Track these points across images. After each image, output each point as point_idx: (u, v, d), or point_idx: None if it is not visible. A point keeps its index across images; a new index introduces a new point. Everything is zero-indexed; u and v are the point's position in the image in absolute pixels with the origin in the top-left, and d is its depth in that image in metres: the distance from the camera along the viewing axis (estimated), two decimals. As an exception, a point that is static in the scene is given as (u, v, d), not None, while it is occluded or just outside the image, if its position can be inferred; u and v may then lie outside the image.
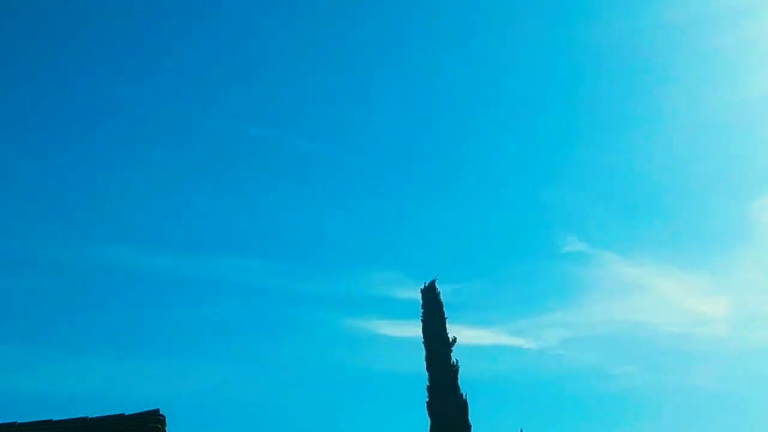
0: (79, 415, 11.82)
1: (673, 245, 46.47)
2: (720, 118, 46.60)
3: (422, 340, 23.06)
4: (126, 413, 11.72)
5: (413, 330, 23.71)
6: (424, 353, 22.89)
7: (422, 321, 23.23)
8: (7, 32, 38.59)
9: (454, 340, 22.89)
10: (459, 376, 22.47)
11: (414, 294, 23.97)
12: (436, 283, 23.73)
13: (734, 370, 41.72)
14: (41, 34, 40.52)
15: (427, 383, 22.48)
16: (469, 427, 21.95)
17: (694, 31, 45.92)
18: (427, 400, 22.31)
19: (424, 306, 23.45)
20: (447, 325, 23.20)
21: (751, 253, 44.57)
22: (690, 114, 47.21)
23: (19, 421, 11.85)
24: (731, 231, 46.50)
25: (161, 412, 11.52)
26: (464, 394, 22.25)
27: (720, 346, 42.21)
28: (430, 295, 23.55)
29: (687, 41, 46.23)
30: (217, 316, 38.67)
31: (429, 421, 22.04)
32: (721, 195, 46.60)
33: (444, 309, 23.41)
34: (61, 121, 40.89)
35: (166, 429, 11.45)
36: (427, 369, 22.65)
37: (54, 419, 11.81)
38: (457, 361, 22.58)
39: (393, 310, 37.26)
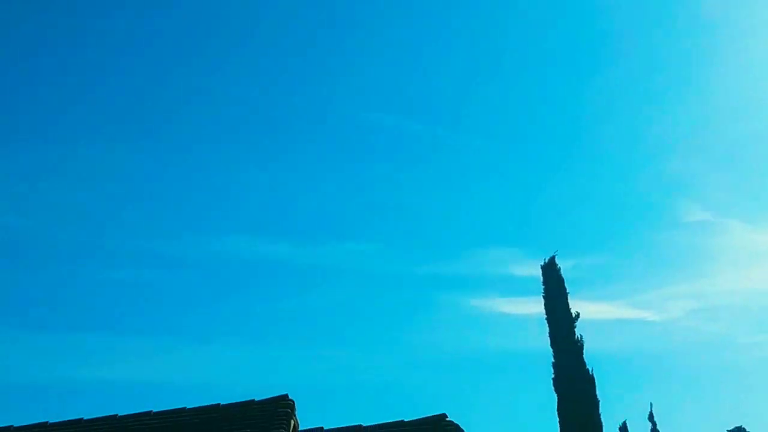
0: (212, 403, 12.17)
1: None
2: None
3: (545, 316, 22.88)
4: (256, 399, 12.00)
5: (534, 307, 23.57)
6: (547, 330, 22.72)
7: (544, 298, 23.03)
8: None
9: (577, 315, 22.64)
10: (584, 352, 22.21)
11: (533, 270, 23.81)
12: (555, 259, 23.49)
13: None
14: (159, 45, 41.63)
15: (552, 360, 22.28)
16: (597, 402, 21.69)
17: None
18: (552, 376, 22.12)
19: (545, 282, 23.24)
20: (569, 301, 22.95)
21: None
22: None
23: (154, 410, 12.29)
24: None
25: (290, 397, 11.75)
26: (590, 370, 21.98)
27: None
28: (551, 271, 23.32)
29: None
30: (338, 301, 39.15)
31: (555, 398, 21.87)
32: None
33: (565, 284, 23.17)
34: (180, 120, 41.88)
35: (296, 413, 11.67)
36: (551, 346, 22.45)
37: (187, 407, 12.18)
38: (581, 337, 22.33)
39: (512, 287, 37.01)
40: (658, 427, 24.17)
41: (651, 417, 24.12)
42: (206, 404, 12.10)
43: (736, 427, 28.42)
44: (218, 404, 12.10)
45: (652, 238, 44.85)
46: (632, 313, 39.31)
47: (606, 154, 46.44)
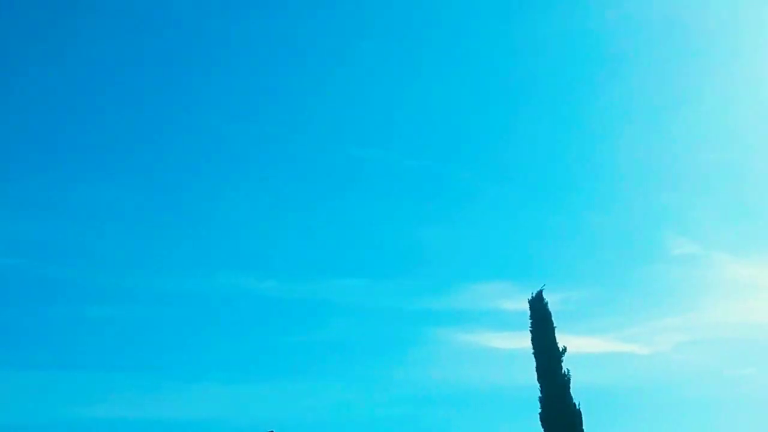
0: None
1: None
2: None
3: (532, 351, 22.91)
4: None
5: (524, 341, 23.56)
6: (534, 364, 22.75)
7: (531, 332, 23.08)
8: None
9: (564, 349, 22.68)
10: (571, 386, 22.24)
11: (523, 305, 23.82)
12: (543, 293, 23.53)
13: None
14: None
15: (539, 394, 22.31)
16: (583, 437, 21.73)
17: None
18: (539, 411, 22.15)
19: (532, 316, 23.29)
20: (556, 335, 22.99)
21: None
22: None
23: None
24: None
25: (277, 433, 11.80)
26: (577, 404, 22.02)
27: None
28: (538, 305, 23.37)
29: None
30: (328, 337, 39.21)
31: (543, 432, 21.88)
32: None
33: (552, 318, 23.21)
34: (164, 154, 42.06)
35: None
36: (538, 380, 22.49)
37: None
38: (568, 371, 22.37)
39: (502, 321, 37.18)
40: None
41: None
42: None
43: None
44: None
45: (640, 271, 45.14)
46: (620, 346, 39.46)
47: (594, 187, 46.87)
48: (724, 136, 46.75)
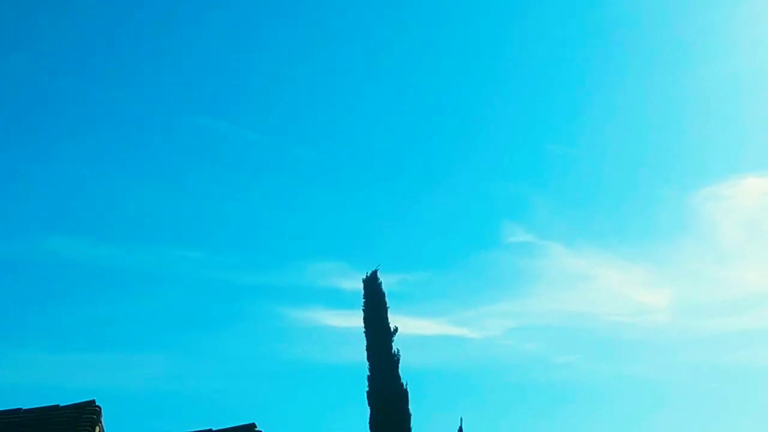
0: (13, 407, 11.73)
1: (617, 236, 47.27)
2: (665, 111, 47.64)
3: (363, 329, 23.14)
4: (61, 405, 11.67)
5: (357, 320, 23.77)
6: (365, 343, 22.98)
7: (363, 311, 23.28)
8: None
9: (396, 329, 22.99)
10: (400, 366, 22.57)
11: (359, 285, 24.02)
12: (378, 273, 23.78)
13: (674, 359, 42.68)
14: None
15: (368, 373, 22.55)
16: (408, 416, 22.08)
17: (631, 24, 46.72)
18: (367, 389, 22.40)
19: (365, 296, 23.47)
20: (389, 315, 23.26)
21: (693, 243, 45.52)
22: (635, 107, 48.08)
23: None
24: (674, 221, 47.48)
25: (97, 403, 11.49)
26: (404, 384, 22.37)
27: (661, 336, 43.14)
28: (372, 284, 23.60)
29: (627, 36, 46.98)
30: (157, 307, 38.54)
31: (369, 411, 22.15)
32: (665, 186, 47.55)
33: (386, 299, 23.46)
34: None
35: (102, 420, 11.42)
36: (367, 359, 22.73)
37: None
38: (398, 351, 22.68)
39: (338, 300, 37.42)
40: (466, 442, 24.66)
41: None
42: (6, 408, 11.67)
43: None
44: (20, 409, 11.68)
45: (476, 257, 46.26)
46: (453, 330, 40.39)
47: (432, 172, 47.64)
48: (565, 129, 48.30)
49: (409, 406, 22.20)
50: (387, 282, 23.88)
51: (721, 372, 42.41)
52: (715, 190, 43.04)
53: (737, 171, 47.37)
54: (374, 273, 23.78)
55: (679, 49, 47.58)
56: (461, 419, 24.74)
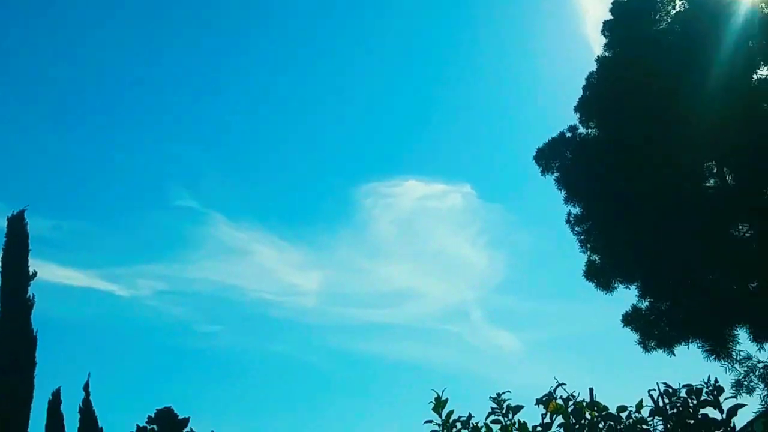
0: None
1: (279, 216, 48.51)
2: (346, 108, 49.23)
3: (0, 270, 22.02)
4: None
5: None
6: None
7: (3, 250, 22.12)
8: None
9: (35, 274, 22.12)
10: (33, 312, 21.75)
11: (2, 222, 22.83)
12: (25, 214, 22.74)
13: (317, 341, 44.61)
14: None
15: (-1, 314, 21.53)
16: (34, 363, 21.32)
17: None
18: (1, 333, 21.37)
19: (8, 235, 22.36)
20: (30, 259, 22.32)
21: (350, 235, 47.62)
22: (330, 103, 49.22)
23: None
24: (335, 211, 49.47)
25: None
26: (34, 330, 21.57)
27: (306, 318, 44.90)
28: (18, 224, 22.53)
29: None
30: None
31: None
32: (333, 176, 49.50)
33: (29, 241, 22.52)
34: None
35: None
36: (1, 300, 21.62)
37: None
38: (33, 296, 21.84)
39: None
40: (91, 397, 24.24)
41: (86, 386, 24.13)
42: None
43: (165, 407, 29.70)
44: None
45: (138, 215, 45.58)
46: (102, 284, 39.51)
47: (112, 129, 46.10)
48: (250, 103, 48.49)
49: (36, 354, 21.45)
50: (39, 225, 23.01)
51: (360, 359, 45.11)
52: (377, 187, 45.19)
53: (401, 172, 50.33)
54: (21, 213, 22.70)
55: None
56: (89, 374, 24.43)
